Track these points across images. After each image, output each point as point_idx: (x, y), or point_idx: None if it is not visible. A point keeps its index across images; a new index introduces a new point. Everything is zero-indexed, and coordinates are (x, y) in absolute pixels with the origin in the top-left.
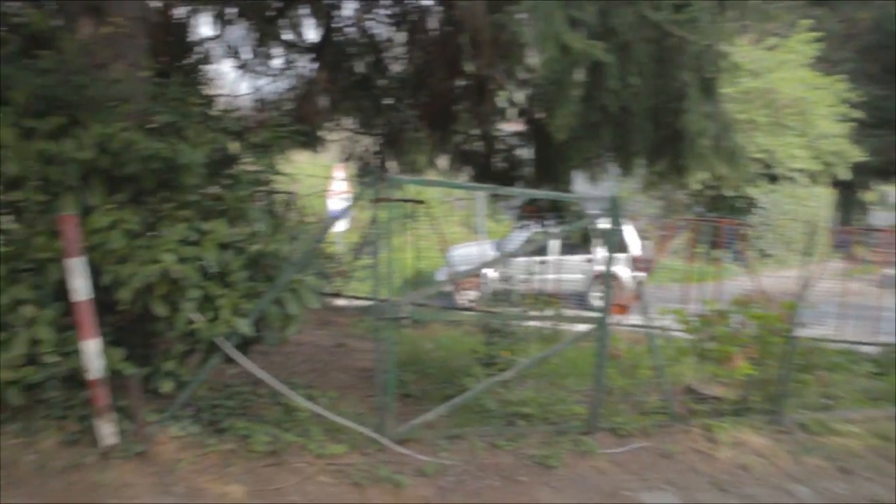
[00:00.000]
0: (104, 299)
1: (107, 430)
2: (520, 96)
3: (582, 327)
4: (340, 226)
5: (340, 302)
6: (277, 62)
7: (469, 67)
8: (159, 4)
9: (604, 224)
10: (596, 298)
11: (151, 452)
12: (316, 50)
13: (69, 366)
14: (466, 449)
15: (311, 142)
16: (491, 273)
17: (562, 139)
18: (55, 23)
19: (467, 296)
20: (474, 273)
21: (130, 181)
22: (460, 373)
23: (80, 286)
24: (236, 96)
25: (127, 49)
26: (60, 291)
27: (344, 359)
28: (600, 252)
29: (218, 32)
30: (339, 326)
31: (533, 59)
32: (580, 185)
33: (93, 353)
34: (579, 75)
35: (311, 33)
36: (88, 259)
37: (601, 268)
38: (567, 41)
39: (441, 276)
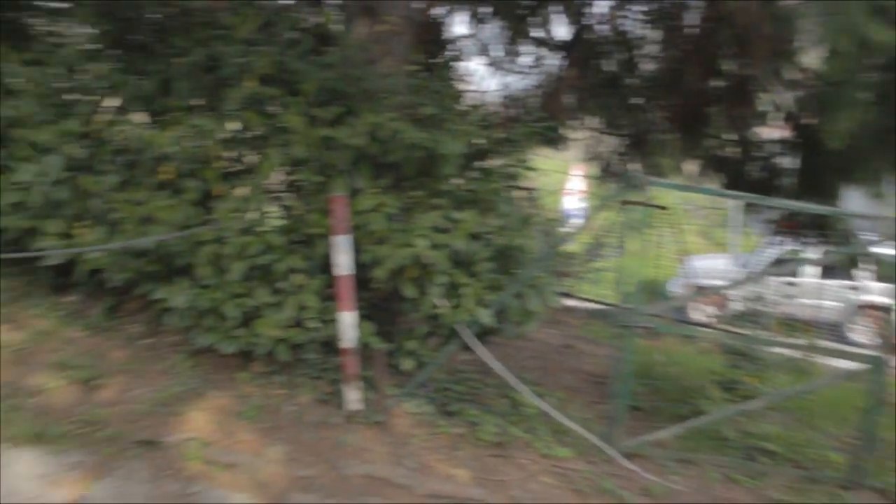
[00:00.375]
0: (361, 276)
1: (353, 396)
2: (786, 98)
3: (843, 363)
4: (576, 225)
5: (570, 302)
6: (526, 59)
7: (728, 67)
8: (422, 5)
9: (886, 249)
10: (856, 332)
11: (389, 424)
12: (566, 48)
13: (327, 333)
14: (698, 476)
15: (554, 139)
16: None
17: (836, 147)
18: (336, 24)
19: (704, 311)
20: (720, 288)
21: (392, 168)
22: (695, 393)
23: (344, 262)
24: (485, 92)
25: (395, 46)
26: (326, 265)
27: (572, 360)
28: (867, 279)
29: (472, 31)
30: (569, 327)
31: (807, 56)
32: (853, 201)
33: (348, 324)
34: (872, 74)
35: (562, 31)
36: (352, 237)
37: (868, 297)
38: (868, 33)
39: (674, 286)
